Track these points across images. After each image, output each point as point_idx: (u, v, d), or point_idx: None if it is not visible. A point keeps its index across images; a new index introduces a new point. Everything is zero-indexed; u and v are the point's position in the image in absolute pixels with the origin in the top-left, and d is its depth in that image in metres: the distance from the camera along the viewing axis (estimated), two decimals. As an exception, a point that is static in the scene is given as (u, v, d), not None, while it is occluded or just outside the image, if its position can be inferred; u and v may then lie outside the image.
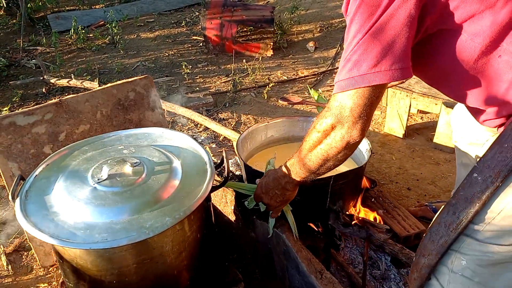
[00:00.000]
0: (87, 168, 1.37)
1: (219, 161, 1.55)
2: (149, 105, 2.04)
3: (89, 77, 3.62)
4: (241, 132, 2.06)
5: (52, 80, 3.46)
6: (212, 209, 1.63)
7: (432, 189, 2.37)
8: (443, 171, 2.49)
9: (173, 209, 1.25)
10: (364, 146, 1.84)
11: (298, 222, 1.61)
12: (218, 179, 1.88)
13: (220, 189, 1.90)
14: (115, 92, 1.96)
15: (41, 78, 3.52)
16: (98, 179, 1.30)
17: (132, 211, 1.23)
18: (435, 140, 2.70)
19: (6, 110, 3.24)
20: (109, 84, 1.98)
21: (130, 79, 2.00)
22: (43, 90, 3.58)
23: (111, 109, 1.96)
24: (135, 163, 1.39)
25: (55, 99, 3.58)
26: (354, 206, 1.85)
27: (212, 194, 2.02)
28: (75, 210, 1.22)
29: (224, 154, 1.47)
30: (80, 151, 1.51)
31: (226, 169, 1.42)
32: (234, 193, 1.78)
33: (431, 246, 1.10)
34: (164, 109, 3.05)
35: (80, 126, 1.91)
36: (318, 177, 1.30)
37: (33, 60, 4.26)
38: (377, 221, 1.85)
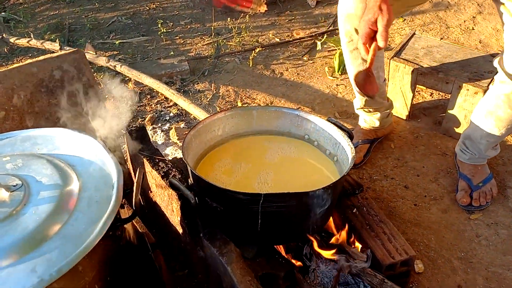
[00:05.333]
0: None
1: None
2: (81, 87, 1.64)
3: (54, 35, 3.20)
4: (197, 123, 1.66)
5: (12, 40, 3.06)
6: (132, 232, 1.28)
7: (433, 188, 1.97)
8: (450, 165, 2.08)
9: (48, 262, 0.90)
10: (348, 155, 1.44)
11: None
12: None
13: (165, 193, 1.57)
14: (36, 70, 1.57)
15: (0, 37, 3.12)
16: (-48, 213, 0.95)
17: (-12, 265, 0.88)
18: (445, 124, 2.26)
19: (-42, 74, 2.87)
20: (28, 61, 1.59)
21: (54, 54, 1.60)
22: (5, 50, 3.18)
23: (31, 92, 1.58)
24: (14, 185, 1.03)
25: (18, 60, 3.22)
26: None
27: (157, 198, 1.68)
28: None
29: (137, 173, 1.09)
30: (-46, 161, 1.15)
31: (134, 196, 1.05)
32: (179, 201, 1.42)
33: None
34: (131, 79, 2.65)
35: (-8, 114, 1.55)
36: None
37: (3, 13, 3.83)
38: (354, 246, 1.49)
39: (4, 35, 3.10)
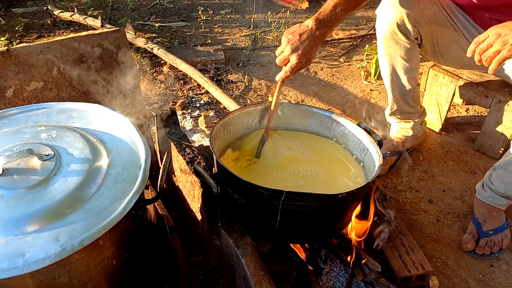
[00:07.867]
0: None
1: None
2: (118, 66, 1.67)
3: (96, 12, 3.26)
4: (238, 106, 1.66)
5: (56, 12, 3.14)
6: (153, 214, 1.30)
7: (458, 206, 1.93)
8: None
9: (71, 232, 0.93)
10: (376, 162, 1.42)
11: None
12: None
13: (188, 179, 1.59)
14: (77, 45, 1.60)
15: (45, 8, 3.20)
16: (-15, 174, 0.99)
17: (14, 227, 0.91)
18: (480, 139, 2.19)
19: (2, 40, 2.97)
20: (70, 35, 1.62)
21: (96, 31, 1.63)
22: (48, 21, 3.27)
23: (70, 66, 1.61)
24: (47, 155, 1.06)
25: (59, 33, 3.30)
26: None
27: (180, 182, 1.70)
28: None
29: (164, 156, 1.10)
30: (-6, 125, 1.20)
31: (159, 178, 1.06)
32: (202, 189, 1.44)
33: None
34: (167, 62, 2.68)
35: (32, 83, 1.59)
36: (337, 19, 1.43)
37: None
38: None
39: (49, 6, 3.18)
